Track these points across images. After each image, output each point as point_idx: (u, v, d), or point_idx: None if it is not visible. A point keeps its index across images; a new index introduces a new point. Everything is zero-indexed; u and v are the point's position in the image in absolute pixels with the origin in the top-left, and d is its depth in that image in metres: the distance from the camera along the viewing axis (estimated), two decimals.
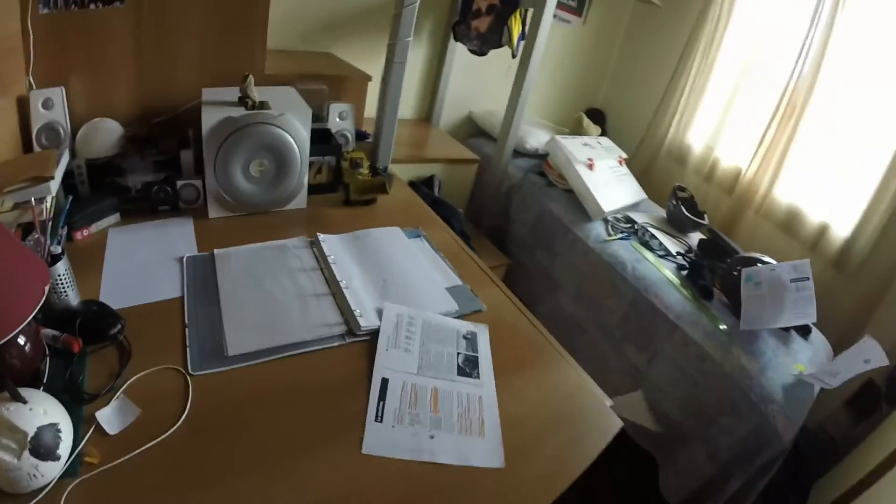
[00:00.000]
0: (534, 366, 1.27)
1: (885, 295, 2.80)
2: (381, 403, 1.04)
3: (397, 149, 2.18)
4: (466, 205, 2.69)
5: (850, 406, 2.99)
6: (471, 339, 1.26)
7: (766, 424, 1.88)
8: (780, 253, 3.03)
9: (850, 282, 2.86)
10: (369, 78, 2.06)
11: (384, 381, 1.08)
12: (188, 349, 1.04)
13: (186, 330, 1.08)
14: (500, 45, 2.45)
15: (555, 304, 2.53)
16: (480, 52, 2.54)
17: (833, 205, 2.86)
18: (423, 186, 2.28)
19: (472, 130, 3.07)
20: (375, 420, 1.00)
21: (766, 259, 2.18)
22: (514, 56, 2.41)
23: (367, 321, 1.19)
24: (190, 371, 0.99)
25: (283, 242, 1.42)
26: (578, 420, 1.17)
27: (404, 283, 1.37)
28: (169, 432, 0.87)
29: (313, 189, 1.63)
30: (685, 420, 2.10)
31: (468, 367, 1.18)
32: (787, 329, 2.31)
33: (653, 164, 3.59)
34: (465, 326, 1.29)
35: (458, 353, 1.21)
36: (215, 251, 1.32)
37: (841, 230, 2.83)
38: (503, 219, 2.71)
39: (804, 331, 2.38)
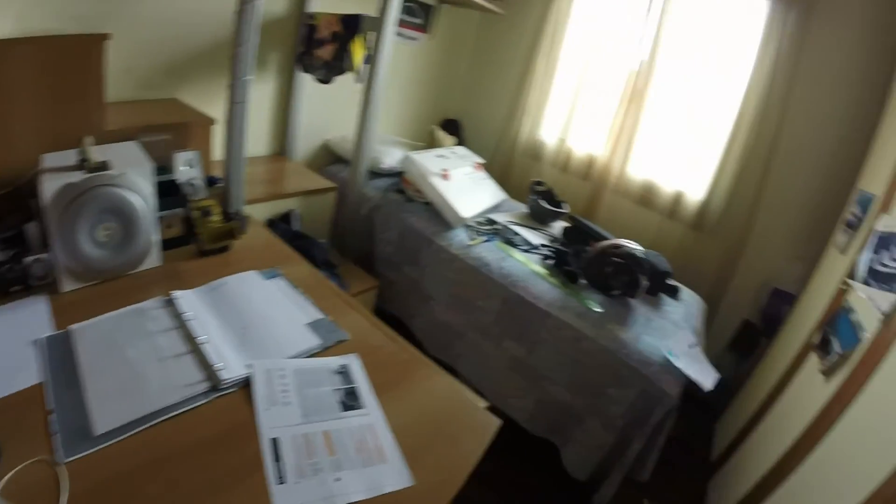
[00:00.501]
0: (406, 381, 1.32)
1: (744, 246, 3.12)
2: (279, 464, 1.01)
3: (252, 188, 2.15)
4: (330, 234, 2.68)
5: (732, 348, 3.30)
6: (344, 373, 1.26)
7: (652, 386, 2.00)
8: (641, 225, 3.30)
9: (710, 239, 3.17)
10: (212, 121, 2.01)
11: (274, 442, 1.06)
12: (55, 437, 0.97)
13: (50, 416, 1.02)
14: (343, 72, 2.47)
15: (430, 315, 2.57)
16: (326, 80, 2.55)
17: (684, 174, 3.17)
18: (280, 223, 2.26)
19: (329, 158, 3.06)
20: (279, 483, 0.98)
21: (625, 243, 2.34)
22: (356, 81, 2.44)
23: (229, 373, 1.16)
24: (61, 460, 0.93)
25: (139, 306, 1.34)
26: (458, 419, 1.24)
27: (264, 327, 1.35)
28: None
29: (167, 244, 1.56)
30: (575, 399, 2.20)
31: (350, 401, 1.19)
32: (655, 293, 2.50)
33: (511, 163, 3.76)
34: (334, 361, 1.29)
35: (337, 390, 1.21)
36: (71, 328, 1.23)
37: (694, 195, 3.13)
38: (368, 241, 2.71)
39: (672, 291, 2.57)
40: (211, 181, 1.90)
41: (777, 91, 2.86)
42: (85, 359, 1.16)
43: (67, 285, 1.38)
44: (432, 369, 1.38)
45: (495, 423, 1.25)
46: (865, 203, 2.32)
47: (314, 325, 1.40)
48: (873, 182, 2.36)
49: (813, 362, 2.16)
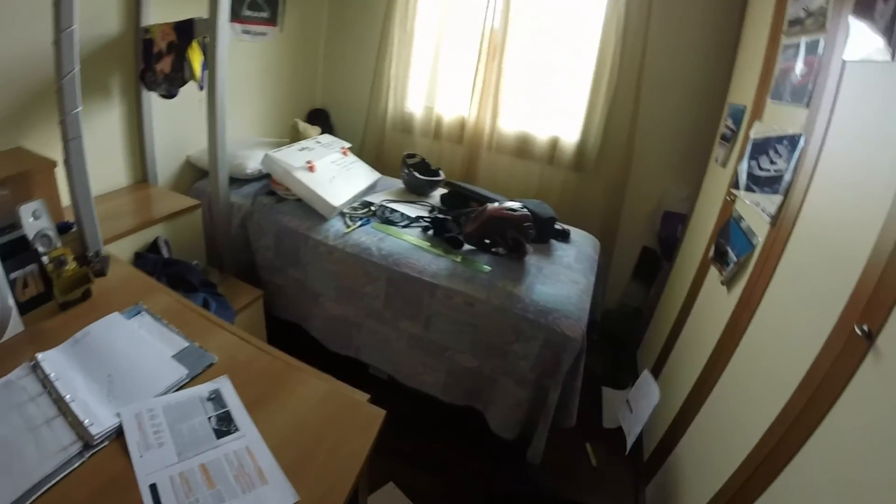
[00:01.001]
0: (281, 391, 1.33)
1: (627, 177, 3.28)
2: None
3: (112, 224, 2.09)
4: (206, 252, 2.62)
5: (636, 277, 3.47)
6: (215, 398, 1.27)
7: (554, 334, 2.07)
8: (522, 177, 3.42)
9: (593, 178, 3.31)
10: (54, 164, 1.89)
11: (153, 488, 1.05)
12: None
13: None
14: (185, 82, 2.40)
15: (322, 313, 2.58)
16: (170, 95, 2.46)
17: (556, 120, 3.30)
18: (149, 254, 2.20)
19: (195, 175, 2.96)
20: None
21: (509, 203, 2.40)
22: (200, 88, 2.36)
23: (98, 426, 1.14)
24: None
25: (5, 380, 1.28)
26: (341, 419, 1.28)
27: (129, 370, 1.33)
28: None
29: (28, 305, 1.50)
30: (482, 363, 2.26)
31: (224, 426, 1.20)
32: (545, 240, 2.59)
33: (382, 141, 3.78)
34: (204, 388, 1.29)
35: (209, 418, 1.21)
36: None
37: (570, 138, 3.26)
38: (247, 251, 2.68)
39: (562, 235, 2.69)
40: (63, 227, 1.82)
41: (634, 22, 2.99)
42: None
43: None
44: (307, 373, 1.41)
45: (380, 414, 1.29)
46: (738, 115, 2.46)
47: (180, 356, 1.40)
48: (741, 94, 2.51)
49: (713, 275, 2.28)
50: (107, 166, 2.43)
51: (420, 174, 2.99)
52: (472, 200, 2.74)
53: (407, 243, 2.42)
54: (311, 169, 2.64)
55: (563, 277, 2.36)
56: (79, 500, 1.03)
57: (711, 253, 2.29)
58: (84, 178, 1.69)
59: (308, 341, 2.64)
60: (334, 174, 2.76)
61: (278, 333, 2.67)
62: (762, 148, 2.01)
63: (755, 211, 1.93)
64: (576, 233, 2.84)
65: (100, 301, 1.62)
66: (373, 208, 2.68)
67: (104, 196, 2.39)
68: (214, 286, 2.25)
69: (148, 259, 2.12)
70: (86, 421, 1.16)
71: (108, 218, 2.14)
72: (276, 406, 1.29)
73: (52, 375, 1.28)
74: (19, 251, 1.52)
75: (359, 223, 2.53)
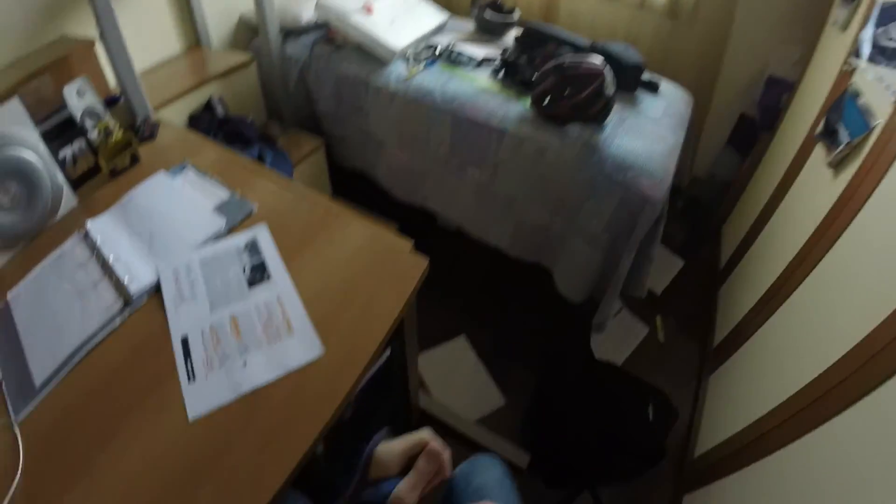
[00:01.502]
0: (318, 237, 1.25)
1: (728, 31, 2.79)
2: (188, 361, 0.99)
3: (166, 89, 2.05)
4: (265, 108, 2.53)
5: (731, 144, 3.09)
6: (252, 247, 1.20)
7: (631, 193, 1.85)
8: (607, 21, 3.01)
9: (689, 29, 2.83)
10: (92, 43, 1.83)
11: (184, 340, 1.03)
12: (7, 401, 0.98)
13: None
14: None
15: (388, 161, 2.46)
16: None
17: None
18: (204, 115, 2.12)
19: (251, 32, 2.80)
20: (189, 382, 0.96)
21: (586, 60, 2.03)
22: None
23: (137, 284, 1.12)
24: (14, 421, 0.93)
25: (59, 250, 1.29)
26: (379, 269, 1.17)
27: (170, 226, 1.29)
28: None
29: (80, 181, 1.48)
30: (552, 220, 2.09)
31: (257, 275, 1.14)
32: (631, 90, 2.26)
33: None
34: (241, 238, 1.23)
35: (244, 268, 1.15)
36: (7, 299, 1.19)
37: None
38: (307, 104, 2.56)
39: (649, 86, 2.34)
40: (110, 101, 1.77)
41: None
42: (21, 322, 1.14)
43: None
44: (349, 218, 1.30)
45: (422, 263, 1.17)
46: None
47: (221, 207, 1.33)
48: None
49: (819, 155, 1.95)
50: (156, 36, 2.31)
51: (492, 13, 2.69)
52: (549, 42, 2.43)
53: (474, 87, 2.20)
54: (368, 11, 2.42)
55: (648, 132, 2.06)
56: (118, 357, 1.02)
57: (819, 129, 1.94)
58: (120, 46, 1.61)
59: (377, 191, 2.58)
60: (395, 16, 2.52)
61: (345, 184, 2.63)
62: (893, 14, 1.66)
63: (877, 87, 1.60)
64: (666, 85, 2.47)
65: (148, 165, 1.57)
66: (438, 51, 2.45)
67: (157, 66, 2.30)
68: (273, 140, 2.17)
69: (202, 119, 2.06)
70: (125, 279, 1.14)
71: (159, 85, 2.09)
72: (312, 254, 1.20)
73: (98, 240, 1.26)
74: (67, 131, 1.49)
75: (422, 67, 2.32)
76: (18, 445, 0.89)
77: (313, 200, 1.36)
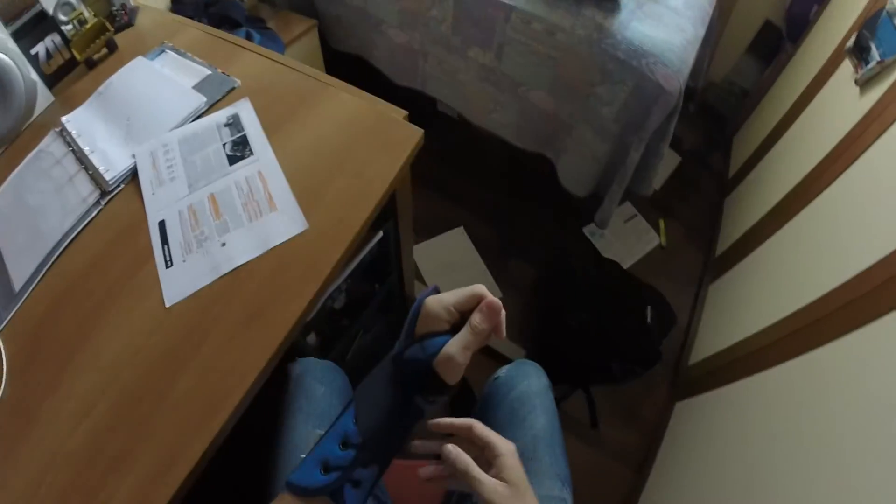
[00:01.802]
0: (305, 110, 1.14)
1: None
2: (166, 247, 0.93)
3: None
4: None
5: (752, 52, 2.88)
6: (233, 123, 1.11)
7: (646, 81, 1.72)
8: None
9: None
10: None
11: (161, 224, 0.96)
12: None
13: None
14: None
15: (386, 42, 2.31)
16: None
17: None
18: None
19: None
20: (167, 267, 0.90)
21: None
22: None
23: (113, 172, 1.05)
24: None
25: (35, 151, 1.22)
26: (368, 140, 1.07)
27: (147, 109, 1.20)
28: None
29: (57, 76, 1.38)
30: (560, 106, 1.96)
31: (238, 151, 1.05)
32: None
33: None
34: (222, 114, 1.13)
35: (224, 144, 1.07)
36: None
37: None
38: None
39: None
40: None
41: None
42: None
43: None
44: (338, 88, 1.19)
45: (416, 134, 1.07)
46: None
47: (201, 85, 1.23)
48: None
49: (846, 71, 1.80)
50: None
51: None
52: None
53: None
54: None
55: (668, 21, 1.87)
56: (96, 249, 0.97)
57: (850, 44, 1.77)
58: None
59: (373, 77, 2.46)
60: None
61: (340, 69, 2.44)
62: None
63: None
64: None
65: (128, 52, 1.45)
66: None
67: None
68: (263, 21, 2.05)
69: (186, 2, 1.93)
70: (101, 168, 1.07)
71: None
72: (298, 127, 1.11)
73: (74, 133, 1.19)
74: (39, 25, 1.37)
75: None
76: (1, 353, 0.85)
77: (302, 71, 1.25)
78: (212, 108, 1.17)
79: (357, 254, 1.19)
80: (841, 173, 1.53)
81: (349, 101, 1.15)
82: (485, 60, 2.03)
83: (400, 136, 1.06)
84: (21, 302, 0.91)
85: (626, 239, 2.46)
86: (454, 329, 0.60)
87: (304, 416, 0.96)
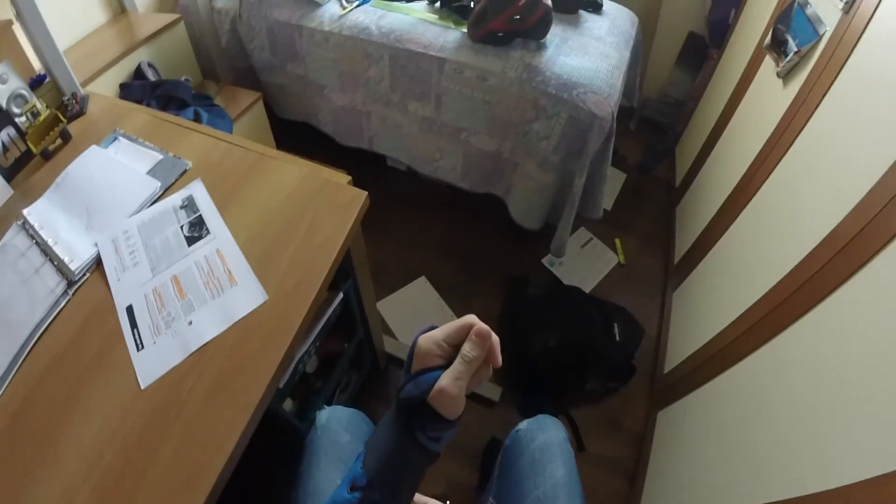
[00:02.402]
0: (254, 183, 1.22)
1: None
2: (135, 331, 0.97)
3: (93, 61, 1.97)
4: (198, 67, 2.44)
5: (681, 63, 3.03)
6: (188, 204, 1.17)
7: (579, 110, 1.82)
8: None
9: None
10: (10, 23, 1.72)
11: (129, 309, 1.01)
12: None
13: None
14: None
15: (329, 105, 2.40)
16: None
17: None
18: (135, 82, 2.04)
19: None
20: (138, 350, 0.94)
21: None
22: None
23: (78, 262, 1.09)
24: None
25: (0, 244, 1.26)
26: (316, 207, 1.15)
27: (105, 198, 1.25)
28: None
29: (13, 169, 1.41)
30: (501, 145, 2.06)
31: (195, 231, 1.11)
32: (572, 10, 2.22)
33: None
34: (177, 197, 1.20)
35: (182, 226, 1.13)
36: None
37: None
38: (242, 57, 2.47)
39: (594, 5, 2.30)
40: (36, 82, 1.69)
41: None
42: None
43: None
44: (283, 161, 1.27)
45: (361, 196, 1.15)
46: None
47: (154, 170, 1.29)
48: None
49: (768, 66, 1.92)
50: (77, 8, 2.19)
51: None
52: None
53: (411, 17, 2.13)
54: None
55: (592, 50, 2.02)
56: (68, 337, 1.00)
57: (768, 40, 1.89)
58: (40, 24, 1.52)
59: (324, 138, 2.55)
60: None
61: (289, 137, 2.57)
62: None
63: None
64: (609, 5, 2.41)
65: (81, 140, 1.50)
66: None
67: (83, 39, 2.18)
68: (210, 98, 2.10)
69: (133, 87, 1.98)
70: (66, 259, 1.11)
71: (86, 58, 2.01)
72: (249, 200, 1.18)
73: (36, 226, 1.22)
74: None
75: (356, 3, 2.23)
76: None
77: (246, 147, 1.32)
78: (166, 191, 1.23)
79: (320, 316, 1.24)
80: (778, 163, 1.61)
81: (295, 172, 1.22)
82: (425, 112, 2.13)
83: (345, 200, 1.14)
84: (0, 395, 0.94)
85: (586, 263, 2.53)
86: (450, 363, 0.61)
87: (328, 462, 1.00)
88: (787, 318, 1.23)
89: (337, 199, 1.15)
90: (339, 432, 1.06)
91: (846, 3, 1.43)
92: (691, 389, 1.69)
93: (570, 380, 1.99)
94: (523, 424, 1.13)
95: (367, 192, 1.15)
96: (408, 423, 0.61)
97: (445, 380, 0.59)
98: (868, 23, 1.31)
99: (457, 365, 0.59)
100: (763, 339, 1.32)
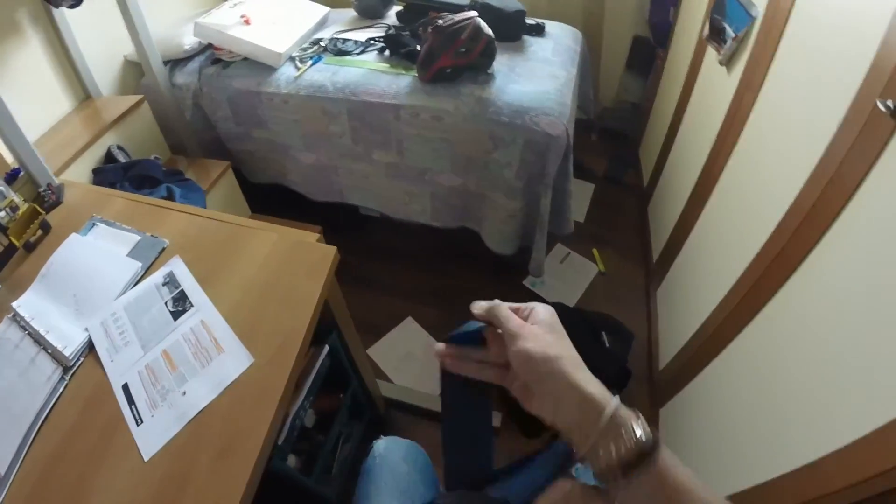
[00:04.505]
0: (230, 253, 1.28)
1: None
2: (133, 407, 1.02)
3: (64, 150, 2.03)
4: (167, 144, 2.51)
5: (631, 68, 3.16)
6: (170, 281, 1.23)
7: (533, 134, 1.91)
8: None
9: None
10: None
11: (125, 387, 1.06)
12: None
13: None
14: None
15: (297, 166, 2.48)
16: (77, 3, 2.25)
17: None
18: (107, 166, 2.10)
19: (139, 71, 2.73)
20: (138, 425, 0.99)
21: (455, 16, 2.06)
22: None
23: (71, 348, 1.14)
24: None
25: None
26: (290, 268, 1.22)
27: (90, 284, 1.31)
28: None
29: None
30: (466, 180, 2.14)
31: (179, 306, 1.17)
32: (515, 38, 2.33)
33: None
34: (158, 275, 1.26)
35: (166, 302, 1.18)
36: None
37: None
38: (206, 128, 2.55)
39: (536, 29, 2.41)
40: (10, 177, 1.74)
41: None
42: None
43: None
44: (255, 228, 1.34)
45: (331, 251, 1.22)
46: None
47: (134, 251, 1.35)
48: None
49: (711, 56, 2.02)
50: (43, 100, 2.27)
51: None
52: (429, 11, 2.45)
53: (363, 69, 2.23)
54: (246, 22, 2.41)
55: (540, 73, 2.13)
56: (70, 421, 1.04)
57: (706, 31, 2.01)
58: (8, 118, 1.58)
59: (296, 196, 2.63)
60: (274, 19, 2.51)
61: (263, 198, 2.66)
62: None
63: None
64: (551, 25, 2.54)
65: (61, 229, 1.55)
66: (322, 44, 2.46)
67: (52, 128, 2.25)
68: (181, 173, 2.17)
69: (106, 171, 2.05)
70: (59, 346, 1.16)
71: (57, 147, 2.07)
72: (226, 271, 1.24)
73: (27, 317, 1.27)
74: None
75: (309, 63, 2.34)
76: None
77: (220, 220, 1.39)
78: (147, 271, 1.29)
79: (309, 370, 1.31)
80: (735, 144, 1.68)
81: (267, 237, 1.29)
82: (388, 159, 2.22)
83: (316, 257, 1.22)
84: (7, 486, 0.98)
85: (567, 278, 2.60)
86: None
87: (388, 492, 1.04)
88: (767, 292, 1.29)
89: (309, 259, 1.22)
90: (398, 463, 1.10)
91: None
92: (688, 380, 1.73)
93: None
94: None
95: (335, 248, 1.22)
96: None
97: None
98: None
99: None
100: (749, 315, 1.37)
